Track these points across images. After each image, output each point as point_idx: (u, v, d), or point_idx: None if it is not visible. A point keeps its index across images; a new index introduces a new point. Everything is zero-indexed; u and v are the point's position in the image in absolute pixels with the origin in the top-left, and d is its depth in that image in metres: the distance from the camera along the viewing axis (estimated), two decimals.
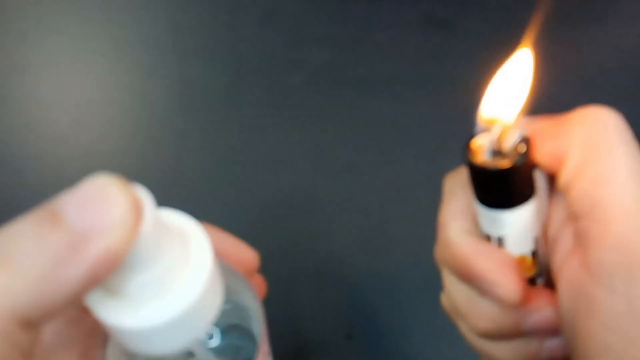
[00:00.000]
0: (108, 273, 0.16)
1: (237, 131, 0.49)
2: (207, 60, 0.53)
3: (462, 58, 0.51)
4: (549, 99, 0.24)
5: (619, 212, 0.20)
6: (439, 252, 0.26)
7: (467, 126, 0.24)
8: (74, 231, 0.15)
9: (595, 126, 0.21)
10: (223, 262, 0.22)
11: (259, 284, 0.27)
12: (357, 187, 0.45)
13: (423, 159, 0.46)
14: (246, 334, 0.23)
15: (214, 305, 0.19)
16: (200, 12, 0.56)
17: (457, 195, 0.25)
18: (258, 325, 0.23)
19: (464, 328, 0.26)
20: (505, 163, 0.21)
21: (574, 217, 0.22)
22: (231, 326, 0.22)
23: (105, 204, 0.16)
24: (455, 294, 0.25)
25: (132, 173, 0.46)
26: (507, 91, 0.23)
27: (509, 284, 0.23)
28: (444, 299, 0.28)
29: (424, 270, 0.39)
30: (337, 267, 0.42)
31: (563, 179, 0.22)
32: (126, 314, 0.17)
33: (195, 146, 0.49)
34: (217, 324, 0.20)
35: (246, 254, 0.25)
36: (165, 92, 0.52)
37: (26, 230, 0.16)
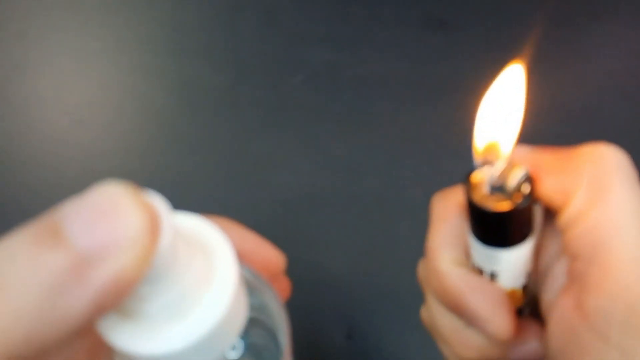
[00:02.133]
0: (119, 301, 0.14)
1: (237, 131, 0.49)
2: (207, 60, 0.53)
3: (462, 58, 0.51)
4: (551, 102, 0.24)
5: (621, 258, 0.20)
6: (427, 278, 0.25)
7: (467, 127, 0.23)
8: (79, 252, 0.13)
9: (603, 167, 0.21)
10: (244, 265, 0.20)
11: (284, 286, 0.25)
12: (357, 187, 0.45)
13: (423, 160, 0.46)
14: (269, 336, 0.21)
15: (239, 322, 0.17)
16: (201, 12, 0.56)
17: (447, 222, 0.24)
18: (282, 329, 0.21)
19: (446, 352, 0.26)
20: (507, 205, 0.20)
21: (572, 256, 0.21)
22: (253, 329, 0.20)
23: (116, 218, 0.13)
24: (440, 320, 0.25)
25: (132, 173, 0.47)
26: (500, 114, 0.22)
27: (500, 321, 0.22)
28: (424, 314, 0.27)
29: None
30: (336, 267, 0.42)
31: (566, 217, 0.21)
32: (143, 338, 0.15)
33: (196, 146, 0.48)
34: (240, 335, 0.19)
35: (271, 256, 0.24)
36: (165, 92, 0.52)
37: (20, 251, 0.13)
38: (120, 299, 0.14)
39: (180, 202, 0.49)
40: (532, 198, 0.21)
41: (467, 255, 0.24)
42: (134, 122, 0.51)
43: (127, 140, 0.49)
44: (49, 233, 0.13)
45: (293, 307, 0.39)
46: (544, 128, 0.33)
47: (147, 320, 0.15)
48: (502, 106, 0.22)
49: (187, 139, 0.49)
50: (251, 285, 0.20)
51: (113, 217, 0.13)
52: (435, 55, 0.52)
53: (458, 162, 0.25)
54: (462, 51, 0.52)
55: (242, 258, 0.20)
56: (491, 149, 0.22)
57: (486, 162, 0.21)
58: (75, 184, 0.47)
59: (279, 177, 0.46)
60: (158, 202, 0.14)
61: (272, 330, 0.21)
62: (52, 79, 0.53)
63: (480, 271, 0.23)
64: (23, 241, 0.13)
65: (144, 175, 0.47)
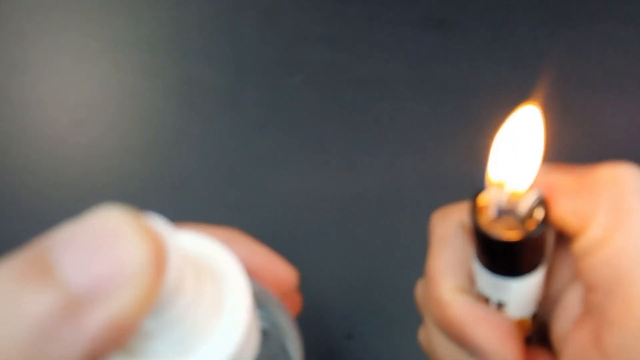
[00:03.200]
0: (120, 345, 0.12)
1: (237, 131, 0.49)
2: (206, 60, 0.53)
3: (462, 58, 0.51)
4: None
5: None
6: (427, 304, 0.23)
7: (468, 128, 0.22)
8: (71, 291, 0.11)
9: (624, 189, 0.19)
10: (253, 283, 0.19)
11: (295, 302, 0.24)
12: (357, 188, 0.45)
13: (423, 160, 0.46)
14: (280, 355, 0.20)
15: (252, 351, 0.16)
16: (201, 12, 0.56)
17: (449, 246, 0.22)
18: (293, 348, 0.20)
19: None
20: (519, 234, 0.18)
21: (588, 286, 0.20)
22: (263, 350, 0.19)
23: (116, 250, 0.11)
24: (439, 347, 0.23)
25: (132, 174, 0.47)
26: (517, 154, 0.20)
27: (508, 354, 0.21)
28: (422, 337, 0.25)
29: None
30: (336, 266, 0.42)
31: (582, 243, 0.19)
32: None
33: (196, 146, 0.48)
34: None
35: (282, 272, 0.22)
36: (165, 92, 0.52)
37: (3, 289, 0.11)
38: (121, 343, 0.12)
39: (180, 203, 0.49)
40: (546, 225, 0.19)
41: (471, 281, 0.22)
42: (134, 123, 0.51)
43: (127, 141, 0.49)
44: (36, 268, 0.11)
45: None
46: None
47: (152, 358, 0.14)
48: (518, 146, 0.20)
49: (187, 139, 0.49)
50: (260, 302, 0.19)
51: (112, 249, 0.11)
52: (436, 56, 0.51)
53: (460, 163, 0.25)
54: (463, 51, 0.51)
55: (252, 273, 0.19)
56: (504, 185, 0.20)
57: (495, 184, 0.19)
58: (74, 184, 0.47)
59: (279, 178, 0.46)
60: (162, 228, 0.13)
61: (282, 349, 0.20)
62: (52, 79, 0.53)
63: (486, 300, 0.22)
64: (6, 277, 0.11)
65: (144, 176, 0.47)
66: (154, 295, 0.12)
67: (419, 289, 0.25)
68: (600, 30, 0.51)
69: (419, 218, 0.28)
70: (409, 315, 0.37)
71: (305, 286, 0.41)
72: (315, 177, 0.46)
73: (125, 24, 0.55)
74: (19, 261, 0.11)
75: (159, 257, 0.12)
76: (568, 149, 0.42)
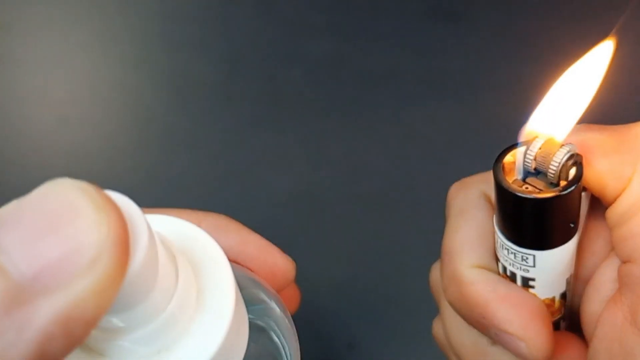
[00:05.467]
0: (74, 346, 0.10)
1: (232, 128, 0.48)
2: (199, 52, 0.53)
3: (471, 51, 0.51)
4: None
5: None
6: (443, 285, 0.21)
7: (478, 125, 0.21)
8: (16, 281, 0.10)
9: None
10: (246, 275, 0.17)
11: (292, 295, 0.23)
12: (359, 188, 0.45)
13: (430, 158, 0.45)
14: (275, 355, 0.19)
15: (238, 354, 0.14)
16: (192, 1, 0.56)
17: (470, 218, 0.21)
18: (290, 347, 0.19)
19: None
20: (550, 192, 0.17)
21: (625, 257, 0.18)
22: (256, 349, 0.17)
23: (70, 231, 0.10)
24: (457, 336, 0.21)
25: (121, 172, 0.45)
26: (560, 107, 0.18)
27: (536, 339, 0.19)
28: (437, 329, 0.24)
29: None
30: (337, 272, 0.41)
31: (619, 209, 0.18)
32: None
33: (188, 144, 0.48)
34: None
35: (277, 263, 0.21)
36: (155, 87, 0.51)
37: None
38: (75, 343, 0.10)
39: (172, 202, 0.47)
40: (579, 184, 0.17)
41: (493, 257, 0.21)
42: (122, 119, 0.51)
43: (115, 138, 0.49)
44: None
45: (293, 315, 0.39)
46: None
47: (121, 358, 0.13)
48: (565, 100, 0.18)
49: (178, 136, 0.49)
50: (252, 298, 0.17)
51: (65, 228, 0.10)
52: (444, 48, 0.51)
53: (469, 162, 0.23)
54: (473, 44, 0.51)
55: (243, 264, 0.18)
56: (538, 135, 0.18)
57: (525, 143, 0.18)
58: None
59: (276, 177, 0.45)
60: (128, 205, 0.12)
61: (277, 349, 0.19)
62: (36, 74, 0.53)
63: (510, 277, 0.20)
64: None
65: (133, 175, 0.46)
66: (116, 283, 0.10)
67: (434, 272, 0.24)
68: (612, 23, 0.51)
69: (426, 220, 0.28)
70: (413, 324, 0.37)
71: (303, 293, 0.40)
72: (315, 176, 0.45)
73: (113, 15, 0.55)
74: None
75: (121, 238, 0.10)
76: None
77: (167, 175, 0.46)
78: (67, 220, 0.10)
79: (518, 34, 0.50)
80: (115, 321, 0.12)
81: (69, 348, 0.10)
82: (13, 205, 0.11)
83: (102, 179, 0.45)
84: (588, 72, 0.19)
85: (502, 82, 0.48)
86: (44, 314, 0.10)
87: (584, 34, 0.50)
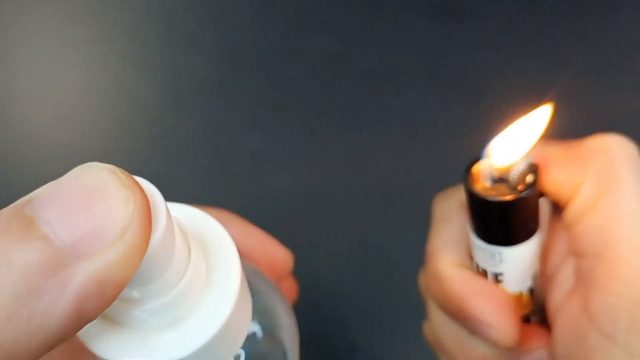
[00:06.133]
0: (106, 306, 0.12)
1: (232, 126, 0.48)
2: (199, 50, 0.53)
3: (474, 49, 0.51)
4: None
5: (630, 254, 0.19)
6: (427, 284, 0.24)
7: (481, 124, 0.22)
8: (56, 247, 0.11)
9: (611, 157, 0.20)
10: (247, 265, 0.19)
11: (290, 287, 0.24)
12: (361, 188, 0.45)
13: (432, 158, 0.45)
14: (275, 343, 0.20)
15: (242, 329, 0.16)
16: (191, 0, 0.56)
17: (449, 223, 0.24)
18: (289, 336, 0.20)
19: None
20: (510, 195, 0.20)
21: (579, 254, 0.21)
22: (257, 336, 0.19)
23: (102, 206, 0.12)
24: (441, 330, 0.24)
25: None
26: (518, 134, 0.22)
27: (504, 327, 0.22)
28: (427, 330, 0.26)
29: None
30: (338, 273, 0.41)
31: (572, 211, 0.21)
32: (132, 349, 0.14)
33: (186, 142, 0.48)
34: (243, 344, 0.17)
35: (277, 254, 0.23)
36: (154, 85, 0.52)
37: None
38: (106, 303, 0.12)
39: (171, 200, 0.49)
40: (536, 187, 0.20)
41: (470, 257, 0.23)
42: (120, 118, 0.51)
43: (113, 137, 0.49)
44: (20, 223, 0.11)
45: (294, 317, 0.39)
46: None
47: (137, 328, 0.14)
48: (521, 130, 0.22)
49: (177, 135, 0.49)
50: (255, 286, 0.18)
51: (98, 203, 0.12)
52: (446, 46, 0.51)
53: (470, 161, 0.24)
54: (476, 42, 0.51)
55: (245, 256, 0.19)
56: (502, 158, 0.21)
57: (491, 155, 0.21)
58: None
59: (276, 177, 0.46)
60: (150, 188, 0.13)
61: (277, 337, 0.20)
62: (33, 72, 0.53)
63: (483, 274, 0.23)
64: None
65: (131, 171, 0.47)
66: (140, 254, 0.12)
67: (422, 276, 0.27)
68: (617, 21, 0.51)
69: (426, 220, 0.27)
70: (414, 326, 0.36)
71: (304, 293, 0.40)
72: (316, 176, 0.45)
73: (111, 12, 0.55)
74: (3, 218, 0.12)
75: (145, 215, 0.12)
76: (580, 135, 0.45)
77: (165, 173, 0.46)
78: (100, 197, 0.12)
79: (521, 32, 0.51)
80: (134, 293, 0.13)
81: (101, 308, 0.12)
82: (52, 185, 0.12)
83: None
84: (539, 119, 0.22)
85: (505, 80, 0.48)
86: (81, 276, 0.11)
87: (584, 31, 0.50)
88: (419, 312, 0.29)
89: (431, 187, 0.43)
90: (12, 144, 0.49)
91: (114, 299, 0.12)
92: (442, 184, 0.29)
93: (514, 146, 0.21)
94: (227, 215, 0.21)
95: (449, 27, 0.52)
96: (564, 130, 0.23)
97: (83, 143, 0.48)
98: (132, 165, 0.46)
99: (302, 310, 0.39)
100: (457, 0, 0.53)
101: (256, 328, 0.18)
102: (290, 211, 0.44)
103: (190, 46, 0.53)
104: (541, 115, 0.21)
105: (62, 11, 0.56)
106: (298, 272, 0.41)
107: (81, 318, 0.12)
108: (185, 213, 0.16)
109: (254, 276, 0.19)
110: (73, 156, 0.47)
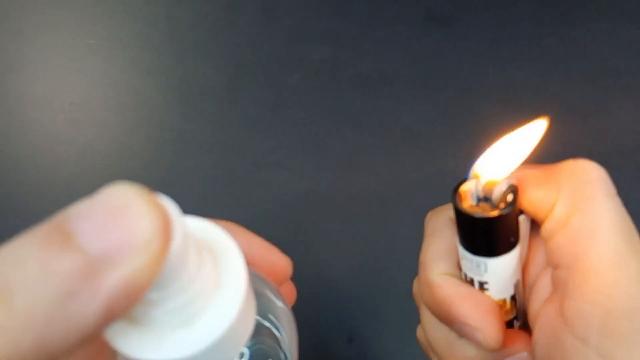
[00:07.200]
0: (130, 307, 0.13)
1: (235, 130, 0.48)
2: (204, 57, 0.52)
3: (464, 56, 0.51)
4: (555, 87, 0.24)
5: (599, 264, 0.21)
6: (420, 291, 0.26)
7: (472, 127, 0.24)
8: (90, 256, 0.13)
9: (584, 178, 0.22)
10: (251, 270, 0.20)
11: (290, 291, 0.25)
12: (358, 188, 0.45)
13: (425, 160, 0.46)
14: (276, 343, 0.21)
15: (247, 329, 0.17)
16: (198, 9, 0.56)
17: (440, 236, 0.25)
18: (289, 336, 0.21)
19: None
20: (492, 212, 0.22)
21: (554, 265, 0.22)
22: (260, 335, 0.20)
23: (129, 220, 0.13)
24: (433, 333, 0.26)
25: (127, 172, 0.46)
26: (503, 153, 0.23)
27: (489, 330, 0.23)
28: (420, 334, 0.28)
29: None
30: (337, 269, 0.42)
31: (548, 227, 0.22)
32: (150, 345, 0.15)
33: (192, 145, 0.48)
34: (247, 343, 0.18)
35: (278, 261, 0.24)
36: (162, 91, 0.51)
37: (30, 255, 0.13)
38: (131, 304, 0.13)
39: (177, 202, 0.48)
40: (515, 205, 0.22)
41: (458, 267, 0.25)
42: (129, 121, 0.50)
43: (122, 140, 0.49)
44: (59, 236, 0.13)
45: (293, 310, 0.39)
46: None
47: (154, 327, 0.15)
48: (508, 148, 0.23)
49: (183, 138, 0.48)
50: (258, 290, 0.19)
51: (125, 219, 0.13)
52: (439, 53, 0.51)
53: (462, 162, 0.25)
54: (467, 49, 0.51)
55: (249, 262, 0.20)
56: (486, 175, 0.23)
57: (474, 176, 0.23)
58: (69, 183, 0.47)
59: (278, 177, 0.46)
60: (169, 205, 0.14)
61: (278, 336, 0.21)
62: (47, 77, 0.53)
63: (470, 282, 0.24)
64: (32, 244, 0.13)
65: (140, 176, 0.47)
66: (161, 262, 0.13)
67: (415, 284, 0.28)
68: (603, 28, 0.51)
69: (421, 218, 0.28)
70: (411, 318, 0.37)
71: (305, 288, 0.40)
72: (315, 177, 0.45)
73: (121, 21, 0.55)
74: (43, 230, 0.13)
75: (165, 228, 0.13)
76: (572, 145, 0.43)
77: (172, 176, 0.46)
78: (126, 213, 0.13)
79: (512, 38, 0.51)
80: (154, 295, 0.15)
81: (127, 308, 0.13)
82: (85, 202, 0.13)
83: (110, 180, 0.45)
84: (530, 135, 0.23)
85: (496, 86, 0.49)
86: (111, 281, 0.13)
87: (575, 37, 0.51)
88: (414, 306, 0.29)
89: (423, 186, 0.44)
90: (27, 146, 0.49)
91: (137, 300, 0.13)
92: (434, 183, 0.30)
93: (499, 165, 0.23)
94: (232, 226, 0.22)
95: (442, 35, 0.52)
96: (551, 136, 0.24)
97: (94, 144, 0.48)
98: (141, 166, 0.47)
99: (302, 304, 0.39)
100: (450, 9, 0.53)
101: (259, 327, 0.19)
102: (291, 209, 0.44)
103: (197, 54, 0.52)
104: (533, 131, 0.23)
105: (76, 20, 0.55)
106: (299, 267, 0.40)
107: (110, 317, 0.13)
108: (198, 225, 0.17)
109: (257, 280, 0.20)
110: (84, 156, 0.48)
